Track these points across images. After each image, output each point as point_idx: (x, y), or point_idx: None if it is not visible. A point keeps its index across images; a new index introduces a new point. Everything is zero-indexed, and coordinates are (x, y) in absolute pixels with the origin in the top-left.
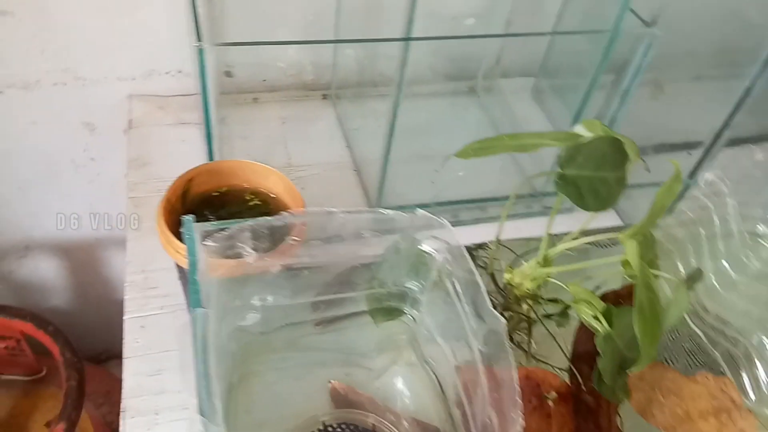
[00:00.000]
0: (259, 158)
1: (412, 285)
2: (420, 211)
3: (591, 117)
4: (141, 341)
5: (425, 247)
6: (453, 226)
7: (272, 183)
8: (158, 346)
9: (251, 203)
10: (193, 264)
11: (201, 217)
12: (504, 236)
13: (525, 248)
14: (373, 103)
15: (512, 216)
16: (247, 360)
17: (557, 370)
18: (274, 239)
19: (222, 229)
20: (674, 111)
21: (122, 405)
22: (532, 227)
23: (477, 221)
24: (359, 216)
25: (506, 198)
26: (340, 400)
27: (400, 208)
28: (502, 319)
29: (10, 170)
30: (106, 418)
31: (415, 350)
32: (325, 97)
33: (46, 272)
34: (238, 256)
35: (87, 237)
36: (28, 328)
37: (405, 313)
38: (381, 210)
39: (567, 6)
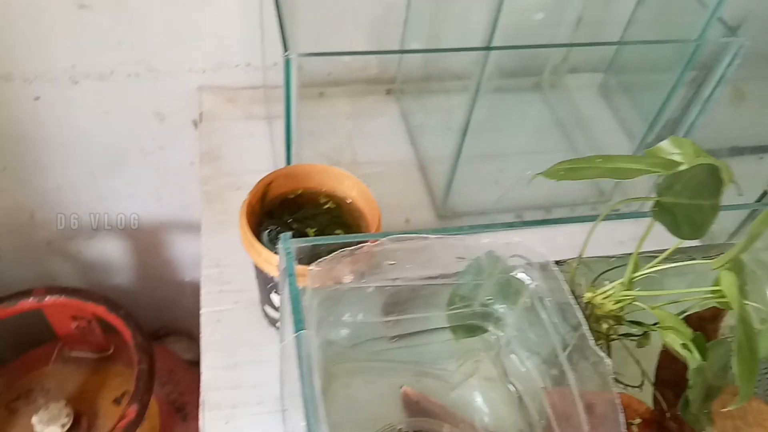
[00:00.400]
0: (326, 155)
1: (498, 305)
2: (518, 240)
3: (666, 120)
4: (217, 335)
5: (515, 269)
6: (516, 228)
7: (347, 187)
8: (233, 340)
9: (325, 206)
10: (294, 292)
11: (279, 219)
12: (572, 242)
13: (605, 265)
14: (437, 100)
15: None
16: (328, 368)
17: (630, 389)
18: (371, 263)
19: (315, 244)
20: (748, 113)
21: (201, 398)
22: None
23: (541, 224)
24: (453, 242)
25: (573, 203)
26: (412, 406)
27: (467, 211)
28: (608, 360)
29: (83, 157)
30: (170, 397)
31: (496, 366)
32: (389, 92)
33: (112, 253)
34: (338, 279)
35: (151, 220)
36: (101, 311)
37: (488, 330)
38: (474, 233)
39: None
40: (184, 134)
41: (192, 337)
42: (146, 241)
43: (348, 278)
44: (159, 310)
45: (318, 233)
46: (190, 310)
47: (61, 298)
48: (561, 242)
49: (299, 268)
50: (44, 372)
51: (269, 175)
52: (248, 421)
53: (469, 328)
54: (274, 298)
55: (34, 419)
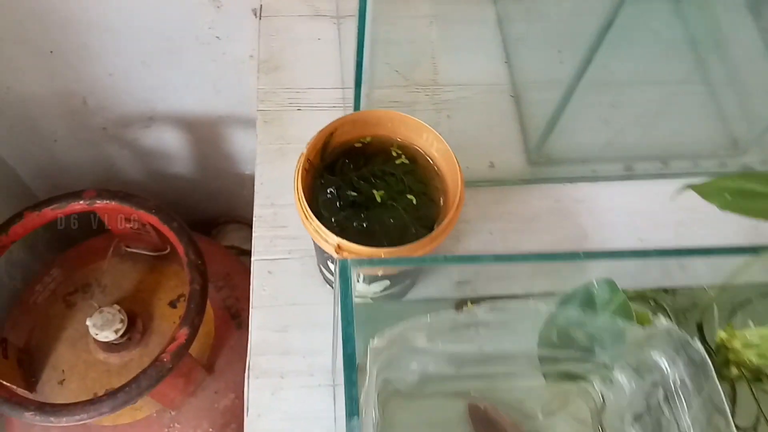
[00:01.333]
0: (402, 71)
1: (604, 356)
2: (667, 327)
3: None
4: (268, 290)
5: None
6: (625, 180)
7: (425, 141)
8: (285, 297)
9: (398, 161)
10: (349, 345)
11: (342, 174)
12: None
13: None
14: (545, 4)
15: (698, 172)
16: (384, 402)
17: None
18: (451, 328)
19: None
20: None
21: (248, 362)
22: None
23: (656, 176)
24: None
25: (698, 155)
26: (479, 419)
27: (565, 157)
28: None
29: (133, 44)
30: (226, 302)
31: (590, 409)
32: None
33: (169, 142)
34: (408, 342)
35: (207, 112)
36: (153, 220)
37: (589, 382)
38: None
39: None
40: (243, 24)
41: (251, 226)
42: (204, 133)
43: (421, 341)
44: (219, 200)
45: (387, 198)
46: (249, 201)
47: (112, 203)
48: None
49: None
50: (101, 266)
51: (331, 124)
52: (296, 394)
53: (564, 374)
54: (331, 264)
55: (89, 322)
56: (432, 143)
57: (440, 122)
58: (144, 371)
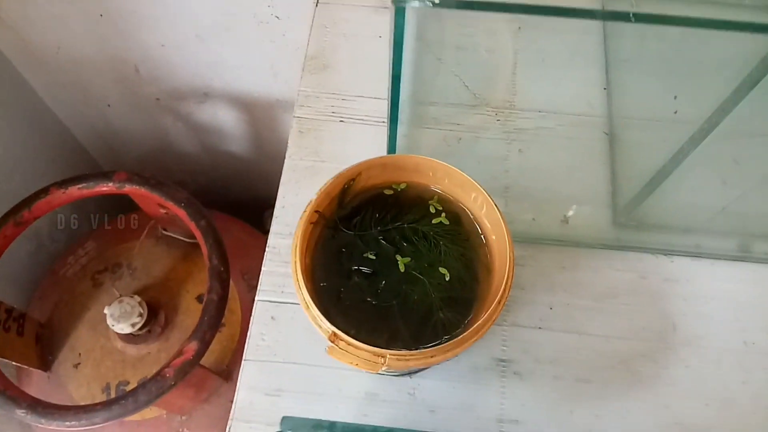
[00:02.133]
0: (472, 85)
1: None
2: None
3: None
4: (267, 340)
5: None
6: (737, 261)
7: (472, 201)
8: (285, 352)
9: (435, 219)
10: None
11: (361, 222)
12: None
13: None
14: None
15: None
16: None
17: None
18: None
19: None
20: None
21: (228, 428)
22: None
23: None
24: None
25: None
26: None
27: (663, 223)
28: None
29: (187, 15)
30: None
31: None
32: None
33: (224, 120)
34: None
35: (265, 94)
36: (182, 214)
37: None
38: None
39: None
40: (305, 6)
41: None
42: (260, 115)
43: None
44: (273, 183)
45: (414, 267)
46: None
47: (141, 189)
48: None
49: None
50: (134, 246)
51: (353, 168)
52: None
53: None
54: None
55: (106, 311)
56: (482, 206)
57: (509, 156)
58: (143, 385)
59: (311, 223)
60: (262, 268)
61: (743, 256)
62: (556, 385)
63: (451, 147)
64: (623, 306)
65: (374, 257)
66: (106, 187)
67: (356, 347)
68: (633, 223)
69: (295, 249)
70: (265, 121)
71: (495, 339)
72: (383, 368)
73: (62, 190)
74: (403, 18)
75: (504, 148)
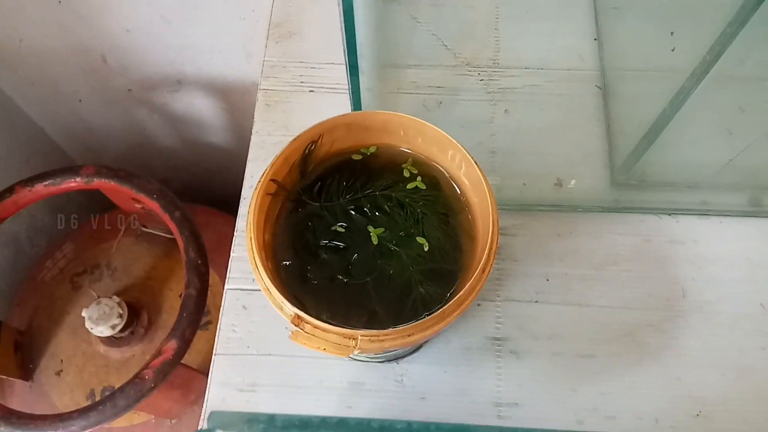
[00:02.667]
0: (452, 46)
1: None
2: None
3: None
4: (239, 332)
5: None
6: (749, 216)
7: (450, 160)
8: (258, 344)
9: (410, 184)
10: None
11: (327, 191)
12: None
13: None
14: None
15: None
16: None
17: None
18: None
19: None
20: None
21: (199, 427)
22: None
23: None
24: None
25: None
26: None
27: (665, 180)
28: None
29: None
30: None
31: None
32: None
33: (201, 108)
34: None
35: (240, 77)
36: (155, 206)
37: None
38: None
39: None
40: None
41: None
42: (238, 101)
43: None
44: None
45: (388, 239)
46: None
47: (111, 183)
48: None
49: None
50: (113, 246)
51: (314, 128)
52: None
53: None
54: None
55: (84, 313)
56: (460, 165)
57: (495, 118)
58: (122, 388)
59: (268, 194)
60: (231, 254)
61: (754, 211)
62: (557, 362)
63: (432, 112)
64: (626, 273)
65: (343, 230)
66: (74, 183)
67: (324, 330)
68: (633, 181)
69: (251, 225)
70: (243, 108)
71: (488, 316)
72: (356, 351)
73: (28, 188)
74: None
75: (489, 109)
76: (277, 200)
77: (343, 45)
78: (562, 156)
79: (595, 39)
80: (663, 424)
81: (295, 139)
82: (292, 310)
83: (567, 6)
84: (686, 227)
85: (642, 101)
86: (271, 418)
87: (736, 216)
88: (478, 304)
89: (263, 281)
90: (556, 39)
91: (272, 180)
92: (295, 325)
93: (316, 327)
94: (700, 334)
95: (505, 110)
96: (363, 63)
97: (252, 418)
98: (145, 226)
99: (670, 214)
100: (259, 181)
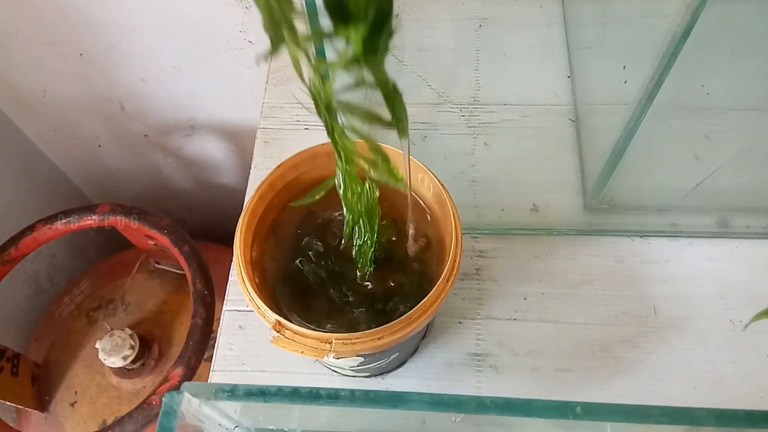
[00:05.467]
0: (436, 86)
1: None
2: None
3: None
4: (235, 350)
5: None
6: (718, 237)
7: (420, 183)
8: (254, 361)
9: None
10: None
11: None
12: None
13: None
14: (629, 4)
15: None
16: None
17: None
18: None
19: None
20: None
21: None
22: None
23: (761, 236)
24: None
25: None
26: None
27: (636, 203)
28: None
29: (164, 47)
30: None
31: None
32: None
33: (214, 151)
34: None
35: (249, 122)
36: (165, 242)
37: None
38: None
39: None
40: None
41: None
42: (248, 144)
43: None
44: None
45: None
46: None
47: (125, 220)
48: None
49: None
50: (127, 282)
51: (297, 155)
52: None
53: None
54: None
55: (98, 345)
56: (428, 187)
57: (475, 150)
58: (130, 414)
59: (255, 215)
60: (229, 278)
61: (723, 232)
62: (535, 376)
63: (417, 145)
64: (600, 292)
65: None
66: (91, 220)
67: (302, 335)
68: (604, 206)
69: (239, 242)
70: (252, 149)
71: (469, 333)
72: (331, 355)
73: (48, 226)
74: None
75: (470, 142)
76: (264, 223)
77: None
78: (538, 183)
79: (569, 76)
80: None
81: (278, 167)
82: (273, 317)
83: (543, 47)
84: (657, 248)
85: (607, 131)
86: (233, 387)
87: (705, 237)
88: (459, 322)
89: (248, 292)
90: (532, 77)
91: (270, 184)
92: (277, 331)
93: (295, 333)
94: (673, 348)
95: (485, 143)
96: None
97: (219, 388)
98: (158, 263)
99: (641, 236)
100: (247, 204)
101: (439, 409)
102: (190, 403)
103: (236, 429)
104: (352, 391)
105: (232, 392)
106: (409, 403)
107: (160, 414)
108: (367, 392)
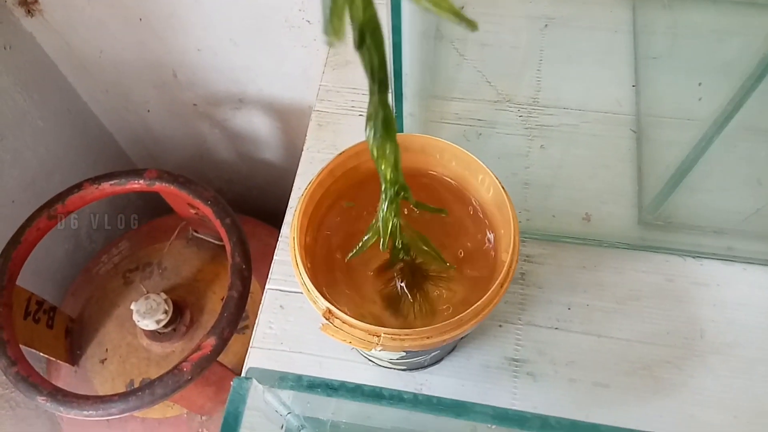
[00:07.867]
0: (495, 83)
1: None
2: None
3: None
4: (275, 329)
5: None
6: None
7: (480, 184)
8: (292, 341)
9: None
10: None
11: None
12: None
13: None
14: (704, 15)
15: None
16: None
17: None
18: None
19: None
20: None
21: None
22: None
23: None
24: None
25: None
26: None
27: (693, 223)
28: None
29: (222, 19)
30: None
31: None
32: None
33: (260, 126)
34: None
35: (298, 101)
36: (208, 212)
37: None
38: None
39: None
40: None
41: None
42: (295, 122)
43: None
44: None
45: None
46: None
47: (171, 187)
48: None
49: None
50: (165, 247)
51: (359, 144)
52: None
53: None
54: None
55: (133, 306)
56: (489, 188)
57: (530, 152)
58: (160, 378)
59: (313, 201)
60: (274, 257)
61: None
62: (572, 388)
63: (471, 142)
64: (647, 309)
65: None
66: (137, 184)
67: (351, 325)
68: (659, 222)
69: (295, 226)
70: (297, 129)
71: (509, 337)
72: (378, 348)
73: (95, 186)
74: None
75: (525, 144)
76: (320, 209)
77: (391, 74)
78: (592, 192)
79: (634, 86)
80: None
81: (340, 154)
82: (324, 304)
83: (609, 54)
84: (710, 270)
85: (671, 146)
86: (298, 378)
87: (761, 264)
88: (500, 326)
89: (301, 276)
90: (596, 83)
91: (331, 171)
92: (326, 319)
93: (344, 322)
94: (717, 375)
95: (541, 146)
96: (407, 91)
97: (283, 376)
98: (197, 231)
99: (694, 257)
100: (306, 189)
101: (503, 424)
102: (256, 390)
103: (288, 416)
104: (415, 395)
105: (296, 382)
106: (473, 414)
107: (228, 399)
108: (430, 398)
